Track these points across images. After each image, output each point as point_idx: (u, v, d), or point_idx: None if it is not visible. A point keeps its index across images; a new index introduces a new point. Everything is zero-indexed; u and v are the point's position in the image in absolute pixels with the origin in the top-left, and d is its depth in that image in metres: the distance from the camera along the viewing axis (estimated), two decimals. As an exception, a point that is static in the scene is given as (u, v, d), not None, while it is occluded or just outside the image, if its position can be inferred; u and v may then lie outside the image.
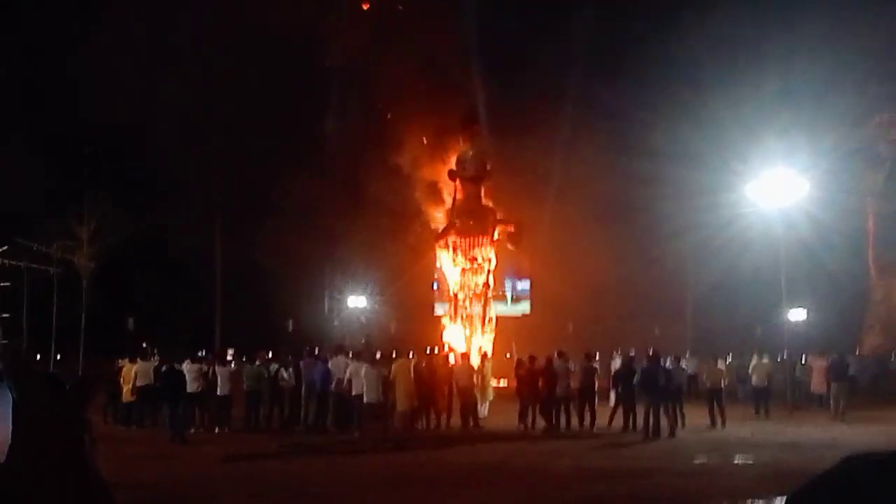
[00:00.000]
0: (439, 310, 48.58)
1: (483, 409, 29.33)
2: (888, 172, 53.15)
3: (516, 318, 51.60)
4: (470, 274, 44.53)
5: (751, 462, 19.82)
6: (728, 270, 47.85)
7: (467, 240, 44.01)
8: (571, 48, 51.40)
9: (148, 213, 43.79)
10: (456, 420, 27.40)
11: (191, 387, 25.96)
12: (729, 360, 35.78)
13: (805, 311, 49.78)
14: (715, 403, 27.52)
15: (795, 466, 18.38)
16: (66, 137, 48.29)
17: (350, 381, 25.43)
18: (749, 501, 14.66)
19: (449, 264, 45.19)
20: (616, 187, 48.78)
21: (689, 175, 45.87)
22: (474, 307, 44.47)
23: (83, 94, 44.61)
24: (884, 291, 56.10)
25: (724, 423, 27.09)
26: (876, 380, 41.03)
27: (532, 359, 27.77)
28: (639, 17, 52.88)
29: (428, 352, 30.96)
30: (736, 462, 19.95)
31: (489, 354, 36.71)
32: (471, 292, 44.48)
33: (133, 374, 27.94)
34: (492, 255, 44.71)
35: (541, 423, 26.84)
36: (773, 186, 37.23)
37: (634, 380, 25.91)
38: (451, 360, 31.47)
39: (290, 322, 51.54)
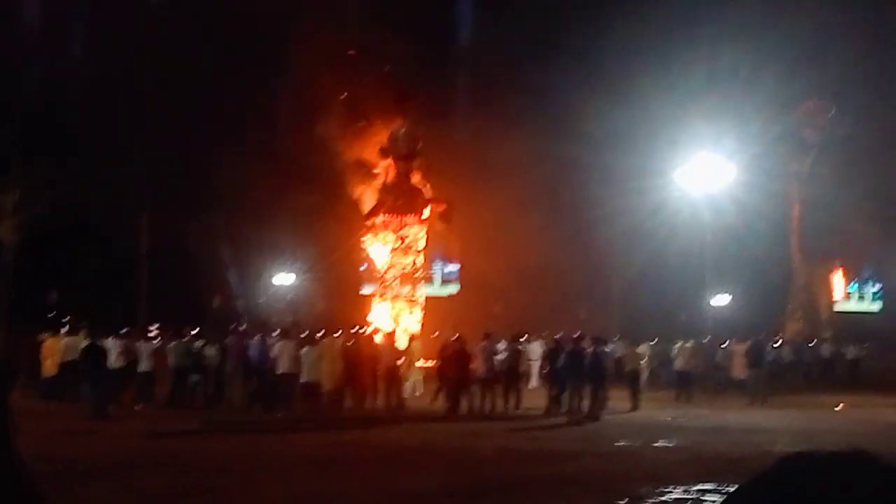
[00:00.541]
0: (367, 289, 48.39)
1: (410, 389, 29.38)
2: (814, 158, 53.92)
3: (444, 298, 51.64)
4: (399, 253, 44.48)
5: (671, 445, 20.03)
6: (656, 255, 48.21)
7: (397, 218, 43.94)
8: (503, 32, 51.34)
9: (73, 186, 43.02)
10: (381, 400, 27.36)
11: (114, 363, 25.64)
12: (653, 343, 36.09)
13: (729, 296, 50.52)
14: (632, 386, 27.88)
15: (715, 450, 18.67)
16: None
17: (276, 359, 25.37)
18: (671, 486, 14.77)
19: (378, 243, 45.10)
20: (546, 171, 48.85)
21: (619, 160, 46.15)
22: (402, 287, 44.43)
23: (8, 60, 43.68)
24: (806, 278, 57.08)
25: (636, 406, 27.43)
26: (794, 365, 41.68)
27: (456, 340, 27.70)
28: (570, 2, 53.04)
29: (354, 331, 30.90)
30: (657, 445, 20.14)
31: (417, 334, 36.72)
32: (399, 272, 44.44)
33: (59, 347, 27.52)
34: (421, 235, 44.70)
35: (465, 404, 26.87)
36: (700, 172, 37.74)
37: (559, 362, 25.99)
38: (378, 339, 31.38)
39: (216, 298, 51.05)
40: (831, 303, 59.06)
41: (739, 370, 32.35)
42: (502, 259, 47.46)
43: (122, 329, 28.34)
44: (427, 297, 46.21)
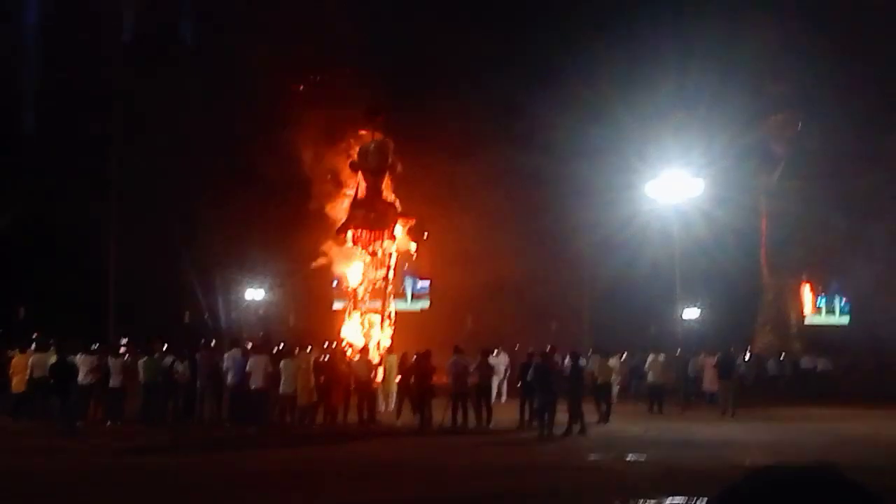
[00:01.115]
0: (338, 304, 48.23)
1: (387, 405, 29.40)
2: (781, 172, 54.29)
3: (416, 313, 51.57)
4: (370, 268, 44.36)
5: (643, 460, 20.08)
6: (626, 268, 48.35)
7: (368, 233, 43.83)
8: (474, 47, 51.42)
9: (39, 200, 42.85)
10: (353, 415, 27.30)
11: (83, 379, 25.48)
12: (623, 357, 36.21)
13: (698, 310, 50.76)
14: (602, 400, 27.92)
15: (687, 464, 18.72)
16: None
17: (249, 374, 25.32)
18: (641, 500, 14.83)
19: (349, 258, 44.97)
20: (516, 185, 49.04)
21: (589, 173, 46.37)
22: (374, 302, 44.31)
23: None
24: (775, 291, 57.37)
25: (607, 418, 27.47)
26: (760, 378, 41.91)
27: (426, 354, 27.61)
28: (541, 17, 53.28)
29: (326, 346, 30.83)
30: (629, 459, 20.19)
31: (392, 349, 36.63)
32: (370, 287, 44.31)
33: (28, 364, 27.29)
34: (392, 250, 44.62)
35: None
36: (670, 185, 37.89)
37: (528, 376, 25.96)
38: (350, 354, 31.32)
39: (187, 314, 50.83)
40: (801, 316, 59.37)
41: (710, 383, 32.54)
42: (473, 273, 47.47)
43: (91, 345, 28.15)
44: (398, 312, 46.13)
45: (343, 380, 27.06)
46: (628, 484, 16.64)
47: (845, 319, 60.94)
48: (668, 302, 42.10)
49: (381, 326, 43.41)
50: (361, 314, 43.87)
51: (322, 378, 26.24)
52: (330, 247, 45.28)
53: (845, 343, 50.27)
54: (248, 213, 48.59)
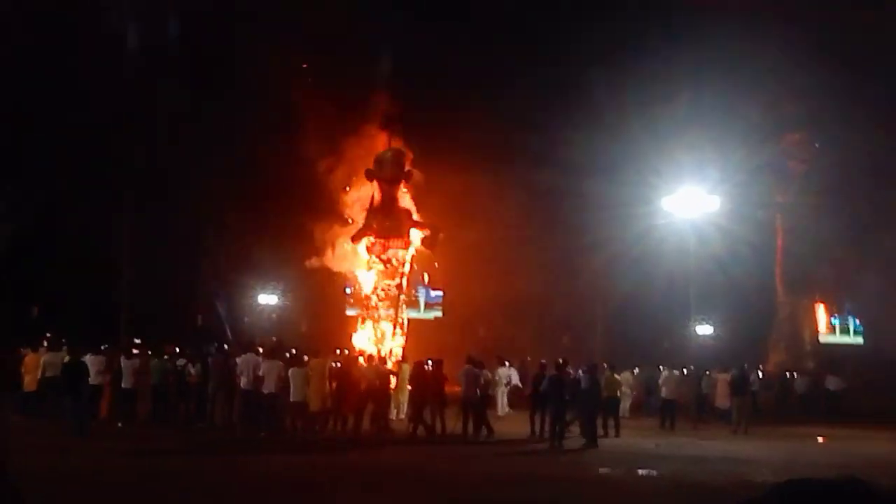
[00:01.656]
0: (352, 311, 48.20)
1: (395, 412, 29.37)
2: (797, 189, 54.11)
3: (429, 322, 51.51)
4: (384, 276, 44.36)
5: (655, 474, 19.96)
6: (640, 283, 48.29)
7: (383, 242, 43.84)
8: (494, 60, 51.42)
9: (53, 199, 42.93)
10: (367, 422, 27.24)
11: (94, 379, 25.48)
12: (637, 371, 36.16)
13: (711, 327, 50.60)
14: (611, 413, 27.82)
15: (698, 479, 18.61)
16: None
17: (262, 378, 25.31)
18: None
19: (363, 265, 45.00)
20: (533, 198, 49.01)
21: (605, 188, 46.28)
22: (387, 310, 44.30)
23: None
24: (789, 308, 57.20)
25: (616, 433, 27.37)
26: (775, 396, 41.71)
27: (438, 362, 27.69)
28: (559, 33, 53.31)
29: (338, 353, 30.82)
30: (640, 473, 20.08)
31: (406, 358, 36.59)
32: (384, 294, 44.32)
33: (40, 364, 27.33)
34: (406, 258, 44.63)
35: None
36: (687, 200, 37.85)
37: (542, 387, 25.93)
38: (363, 361, 31.28)
39: (200, 317, 50.90)
40: (815, 334, 59.13)
41: (722, 399, 32.39)
42: (487, 285, 47.48)
43: (103, 346, 28.17)
44: (410, 321, 46.11)
45: (355, 387, 27.03)
46: (639, 498, 16.54)
47: (860, 339, 60.65)
48: (682, 317, 42.05)
49: (393, 334, 43.43)
50: (374, 322, 43.87)
51: (334, 384, 26.24)
52: (344, 253, 45.31)
53: (860, 363, 49.97)
54: (263, 218, 48.64)
